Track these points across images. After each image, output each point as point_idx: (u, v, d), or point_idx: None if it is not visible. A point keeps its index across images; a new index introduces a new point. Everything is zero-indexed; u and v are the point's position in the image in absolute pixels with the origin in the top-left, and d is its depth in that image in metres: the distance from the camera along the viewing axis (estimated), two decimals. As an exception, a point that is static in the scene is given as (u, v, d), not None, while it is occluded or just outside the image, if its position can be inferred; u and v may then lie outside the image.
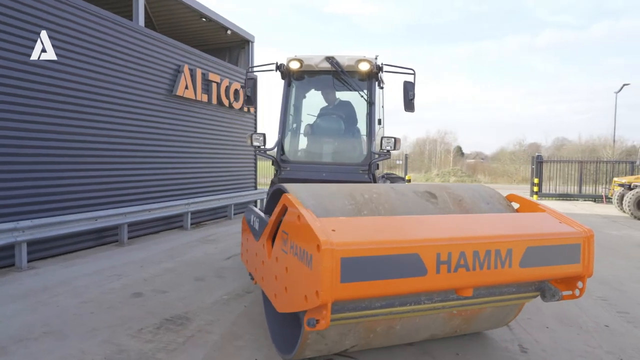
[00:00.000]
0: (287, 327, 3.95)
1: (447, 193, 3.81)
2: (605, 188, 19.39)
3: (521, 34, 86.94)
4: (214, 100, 11.51)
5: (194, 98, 10.65)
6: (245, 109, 13.13)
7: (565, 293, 3.34)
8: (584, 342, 4.26)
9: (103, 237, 8.22)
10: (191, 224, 10.57)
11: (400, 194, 3.67)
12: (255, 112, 13.96)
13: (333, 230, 2.64)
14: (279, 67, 6.25)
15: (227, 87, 12.03)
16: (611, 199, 17.31)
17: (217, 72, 11.69)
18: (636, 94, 68.71)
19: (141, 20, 9.29)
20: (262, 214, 4.11)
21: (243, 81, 12.88)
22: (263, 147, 5.97)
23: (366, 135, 6.12)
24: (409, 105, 5.87)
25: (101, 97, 8.06)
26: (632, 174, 19.14)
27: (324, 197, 3.34)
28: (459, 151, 57.99)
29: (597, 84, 72.97)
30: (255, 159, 14.30)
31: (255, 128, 14.04)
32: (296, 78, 6.40)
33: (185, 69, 10.27)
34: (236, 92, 12.53)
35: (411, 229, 2.95)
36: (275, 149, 6.18)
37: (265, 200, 6.05)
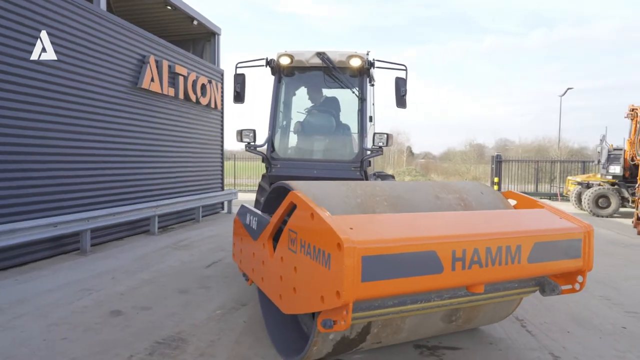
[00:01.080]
0: (288, 328, 3.83)
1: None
2: (559, 187, 20.30)
3: (465, 39, 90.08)
4: (181, 95, 10.70)
5: (160, 92, 9.81)
6: (212, 105, 12.39)
7: (564, 287, 3.38)
8: (611, 347, 4.11)
9: (62, 246, 7.28)
10: (158, 228, 9.72)
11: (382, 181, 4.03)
12: (222, 108, 13.24)
13: (351, 229, 2.57)
14: (269, 63, 6.05)
15: (194, 81, 11.24)
16: (565, 196, 18.12)
17: (184, 64, 10.88)
18: (575, 98, 73.39)
19: (103, 4, 8.38)
20: (259, 213, 3.90)
21: (210, 75, 12.27)
22: (253, 143, 5.71)
23: (358, 132, 5.98)
24: (400, 101, 5.82)
25: (58, 88, 7.13)
26: (583, 173, 20.18)
27: (326, 190, 3.32)
28: (410, 151, 59.30)
29: (534, 88, 77.20)
30: (222, 158, 13.56)
31: (222, 125, 13.33)
32: (286, 74, 6.19)
33: (152, 60, 9.42)
34: (203, 87, 11.76)
35: (425, 226, 2.94)
36: (266, 146, 5.94)
37: (256, 198, 5.84)
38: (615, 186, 14.35)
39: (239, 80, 5.95)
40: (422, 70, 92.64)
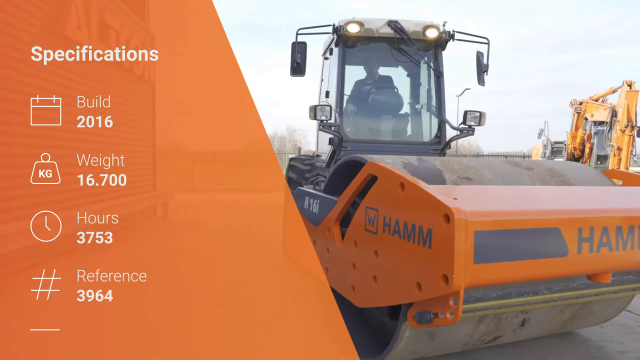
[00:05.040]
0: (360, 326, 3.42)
1: None
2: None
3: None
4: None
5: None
6: (145, 77, 9.60)
7: None
8: None
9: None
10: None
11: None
12: (154, 81, 10.48)
13: (455, 199, 2.16)
14: (336, 30, 5.53)
15: (127, 39, 8.43)
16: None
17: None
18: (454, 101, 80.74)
19: None
20: (322, 194, 3.69)
21: (142, 37, 9.48)
22: (329, 121, 5.15)
23: (436, 111, 5.70)
24: (481, 77, 5.60)
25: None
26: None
27: (412, 161, 3.04)
28: (299, 150, 59.42)
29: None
30: (154, 148, 10.71)
31: (154, 101, 10.58)
32: (351, 45, 5.72)
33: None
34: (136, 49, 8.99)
35: (542, 199, 2.59)
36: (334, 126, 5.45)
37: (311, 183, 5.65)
38: (555, 179, 15.19)
39: (300, 49, 5.37)
40: (317, 73, 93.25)
